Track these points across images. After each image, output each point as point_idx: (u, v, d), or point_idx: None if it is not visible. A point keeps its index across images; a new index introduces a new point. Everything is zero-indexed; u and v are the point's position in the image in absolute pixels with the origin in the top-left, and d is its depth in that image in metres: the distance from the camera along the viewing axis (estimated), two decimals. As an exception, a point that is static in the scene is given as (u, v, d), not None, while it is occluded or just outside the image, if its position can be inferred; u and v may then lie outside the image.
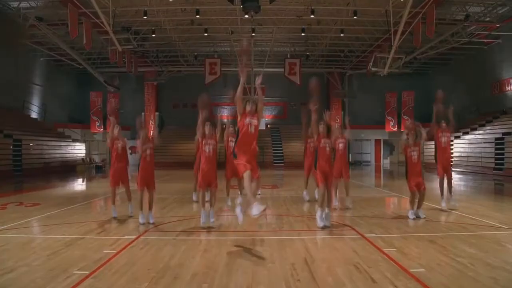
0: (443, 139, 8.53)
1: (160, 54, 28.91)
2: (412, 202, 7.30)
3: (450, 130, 8.55)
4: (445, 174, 8.36)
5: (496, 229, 6.47)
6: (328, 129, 6.67)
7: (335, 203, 8.51)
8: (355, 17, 19.78)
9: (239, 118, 5.55)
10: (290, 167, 26.09)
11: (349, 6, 19.75)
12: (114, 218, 7.37)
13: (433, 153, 8.80)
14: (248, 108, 5.50)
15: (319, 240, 5.81)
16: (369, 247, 5.34)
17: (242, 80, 5.52)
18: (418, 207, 7.32)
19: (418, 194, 7.19)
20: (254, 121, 5.49)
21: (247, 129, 5.44)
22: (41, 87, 27.21)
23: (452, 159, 24.15)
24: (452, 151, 24.30)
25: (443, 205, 8.26)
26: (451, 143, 24.52)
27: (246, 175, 5.26)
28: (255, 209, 5.02)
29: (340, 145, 8.36)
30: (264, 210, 5.09)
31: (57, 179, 17.94)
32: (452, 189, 8.62)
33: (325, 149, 6.66)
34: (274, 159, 29.17)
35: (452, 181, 8.60)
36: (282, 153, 29.76)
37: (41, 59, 26.76)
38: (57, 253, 5.00)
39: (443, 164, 8.45)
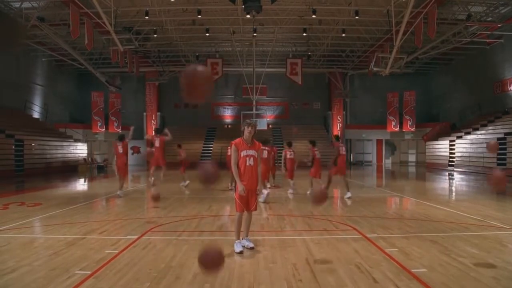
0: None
1: (161, 54, 28.97)
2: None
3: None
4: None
5: (498, 229, 6.45)
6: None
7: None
8: (356, 17, 19.79)
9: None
10: (291, 167, 25.95)
11: (350, 6, 19.75)
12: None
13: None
14: None
15: (320, 240, 5.79)
16: (370, 247, 5.33)
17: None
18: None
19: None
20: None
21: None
22: (43, 87, 27.29)
23: (454, 159, 24.13)
24: (453, 150, 24.36)
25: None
26: (453, 142, 24.58)
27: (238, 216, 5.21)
28: (238, 246, 5.13)
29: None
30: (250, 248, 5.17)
31: (59, 179, 17.97)
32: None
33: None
34: (276, 159, 29.10)
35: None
36: (283, 153, 29.68)
37: (43, 59, 26.85)
38: (59, 253, 5.00)
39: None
